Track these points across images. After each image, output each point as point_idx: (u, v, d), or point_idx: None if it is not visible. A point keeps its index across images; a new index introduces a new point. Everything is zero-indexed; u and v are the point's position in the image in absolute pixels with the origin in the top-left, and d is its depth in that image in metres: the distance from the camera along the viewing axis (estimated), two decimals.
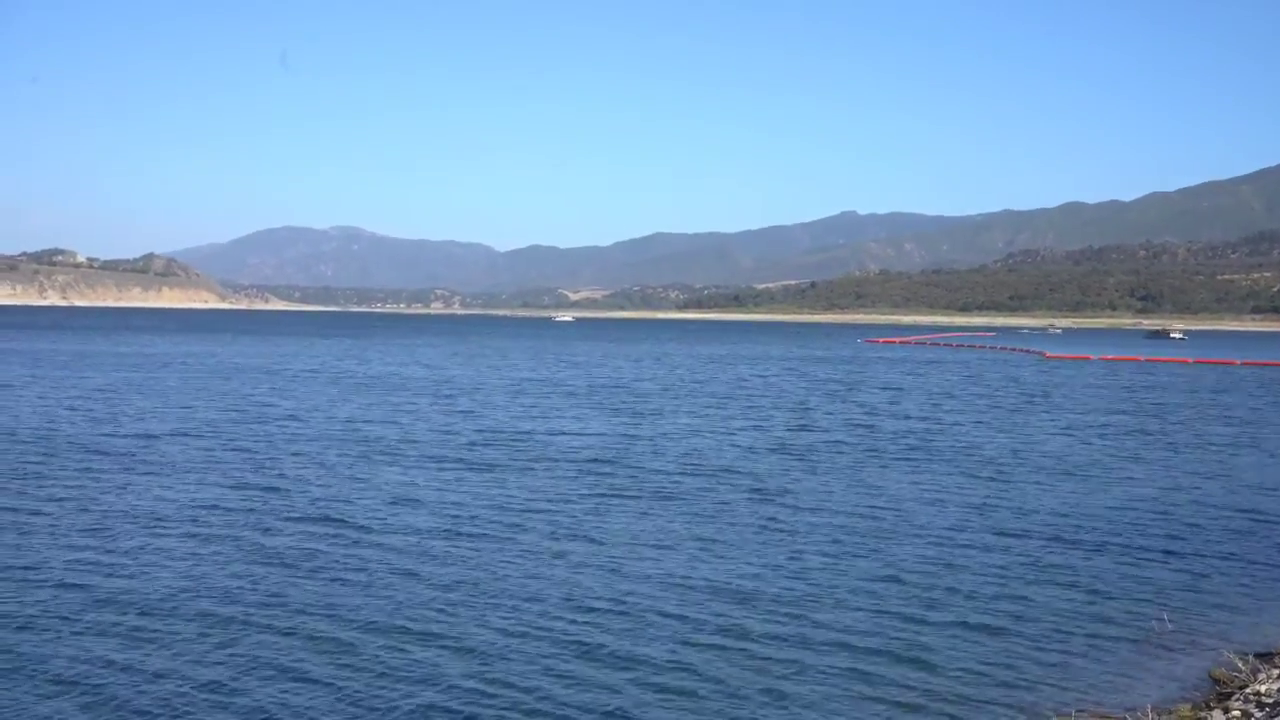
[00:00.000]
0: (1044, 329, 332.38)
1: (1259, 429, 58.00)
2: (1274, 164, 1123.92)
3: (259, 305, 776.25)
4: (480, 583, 22.85)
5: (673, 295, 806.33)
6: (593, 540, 27.02)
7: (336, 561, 24.36)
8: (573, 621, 20.29)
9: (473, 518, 29.37)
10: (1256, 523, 30.95)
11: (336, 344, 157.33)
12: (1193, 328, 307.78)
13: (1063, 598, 22.66)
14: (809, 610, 21.26)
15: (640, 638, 19.45)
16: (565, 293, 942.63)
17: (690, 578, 23.51)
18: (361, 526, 27.95)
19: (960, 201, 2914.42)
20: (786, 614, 20.98)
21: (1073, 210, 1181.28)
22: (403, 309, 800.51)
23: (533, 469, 38.32)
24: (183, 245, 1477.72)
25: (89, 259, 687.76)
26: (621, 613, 20.97)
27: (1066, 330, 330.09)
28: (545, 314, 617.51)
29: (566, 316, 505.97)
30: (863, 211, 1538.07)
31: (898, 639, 19.72)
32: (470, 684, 17.11)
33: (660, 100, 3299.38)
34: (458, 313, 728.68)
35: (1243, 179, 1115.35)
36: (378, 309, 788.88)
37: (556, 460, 40.53)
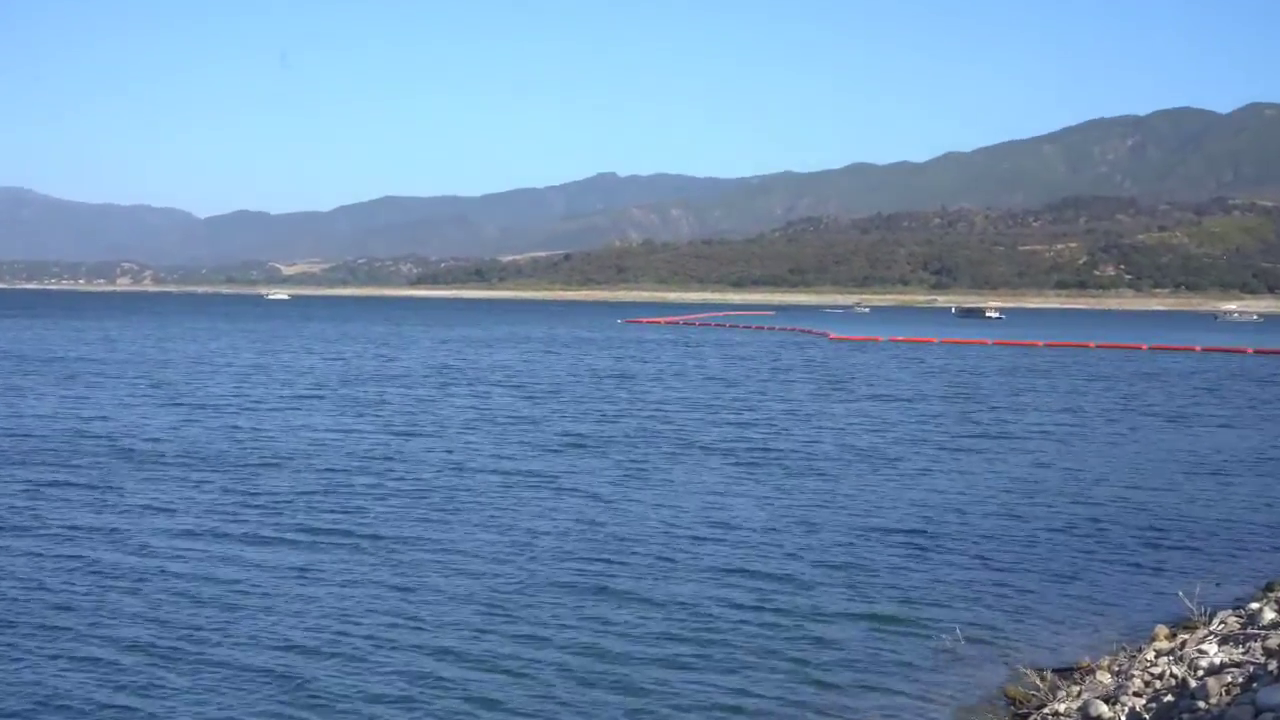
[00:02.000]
0: (851, 307, 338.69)
1: (1075, 417, 61.13)
2: (1079, 121, 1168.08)
3: None
4: (250, 592, 23.59)
5: (405, 269, 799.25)
6: (373, 545, 27.96)
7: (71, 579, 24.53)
8: (375, 627, 21.24)
9: (223, 525, 29.95)
10: (1068, 524, 32.45)
11: (7, 326, 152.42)
12: (998, 305, 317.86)
13: (853, 605, 23.75)
14: (583, 620, 22.32)
15: (429, 646, 20.26)
16: (278, 266, 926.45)
17: (481, 584, 24.46)
18: (100, 535, 28.29)
19: (734, 162, 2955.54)
20: (580, 617, 22.04)
21: (860, 172, 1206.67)
22: (82, 285, 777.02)
23: (278, 470, 38.80)
24: None
25: None
26: (413, 620, 21.91)
27: (875, 309, 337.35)
28: (255, 290, 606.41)
29: (280, 294, 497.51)
30: (623, 173, 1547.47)
31: (676, 648, 20.80)
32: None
33: (386, 43, 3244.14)
34: (149, 289, 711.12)
35: (1045, 138, 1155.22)
36: (51, 285, 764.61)
37: (306, 459, 41.11)
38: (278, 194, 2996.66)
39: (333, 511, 32.07)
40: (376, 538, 28.95)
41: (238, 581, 24.79)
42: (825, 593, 24.65)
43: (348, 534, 29.29)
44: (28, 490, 34.54)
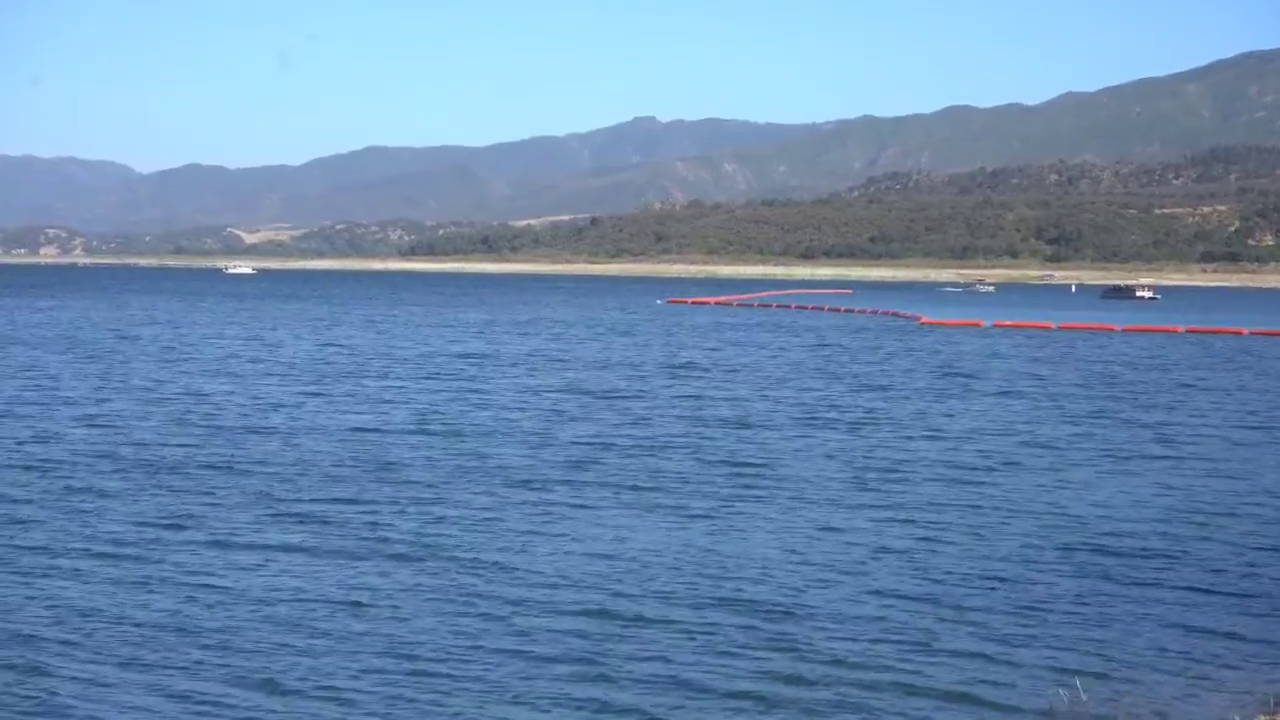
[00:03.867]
0: (972, 285, 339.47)
1: (1246, 419, 61.32)
2: (1230, 55, 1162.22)
3: None
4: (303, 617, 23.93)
5: (394, 236, 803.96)
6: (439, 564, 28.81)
7: None
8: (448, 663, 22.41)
9: (255, 541, 31.44)
10: (1234, 552, 32.22)
11: None
12: (1117, 281, 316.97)
13: (961, 644, 24.19)
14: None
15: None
16: (238, 232, 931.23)
17: (572, 613, 24.74)
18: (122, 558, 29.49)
19: (801, 105, 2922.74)
20: (706, 649, 22.91)
21: (958, 117, 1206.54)
22: None
23: (314, 479, 39.40)
24: None
25: None
26: (491, 654, 22.41)
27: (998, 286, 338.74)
28: (210, 263, 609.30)
29: (244, 267, 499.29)
30: (664, 117, 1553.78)
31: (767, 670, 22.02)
32: None
33: None
34: (81, 261, 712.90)
35: (1187, 75, 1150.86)
36: None
37: (340, 467, 42.02)
38: (237, 144, 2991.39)
39: (385, 525, 33.55)
40: (443, 555, 30.33)
41: (288, 606, 26.06)
42: (921, 623, 25.37)
43: (408, 552, 30.72)
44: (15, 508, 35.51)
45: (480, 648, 23.65)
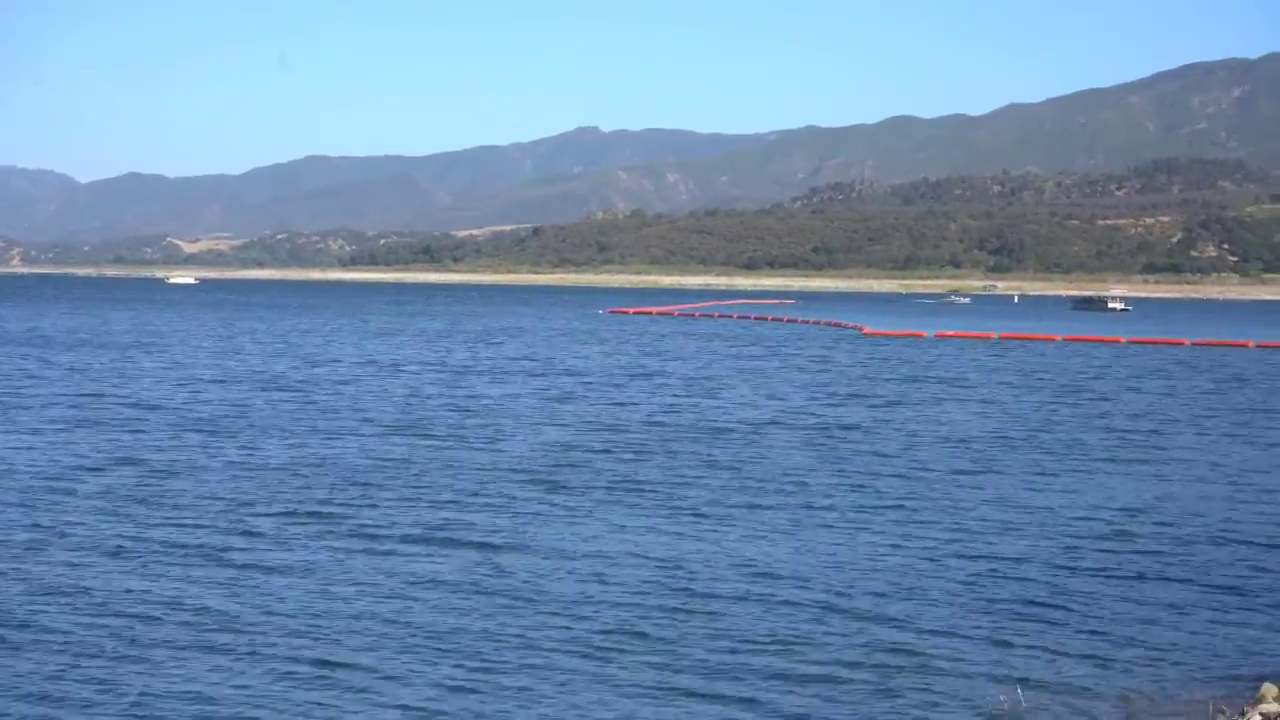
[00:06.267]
0: (946, 296, 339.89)
1: (1187, 428, 62.59)
2: (1174, 66, 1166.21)
3: None
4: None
5: (335, 246, 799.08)
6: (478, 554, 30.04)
7: None
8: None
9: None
10: (1170, 555, 33.51)
11: None
12: (1062, 292, 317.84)
13: (907, 650, 25.15)
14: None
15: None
16: (178, 242, 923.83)
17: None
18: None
19: (744, 115, 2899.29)
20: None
21: (901, 128, 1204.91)
22: None
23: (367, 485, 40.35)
24: None
25: None
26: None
27: (976, 297, 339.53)
28: (150, 273, 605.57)
29: (186, 277, 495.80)
30: (608, 127, 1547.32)
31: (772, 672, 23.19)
32: None
33: None
34: (19, 270, 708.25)
35: (1132, 87, 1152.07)
36: None
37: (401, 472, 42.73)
38: (177, 153, 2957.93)
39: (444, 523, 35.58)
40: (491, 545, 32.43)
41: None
42: (866, 629, 26.32)
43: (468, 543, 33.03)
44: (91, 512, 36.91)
45: (533, 645, 24.99)
